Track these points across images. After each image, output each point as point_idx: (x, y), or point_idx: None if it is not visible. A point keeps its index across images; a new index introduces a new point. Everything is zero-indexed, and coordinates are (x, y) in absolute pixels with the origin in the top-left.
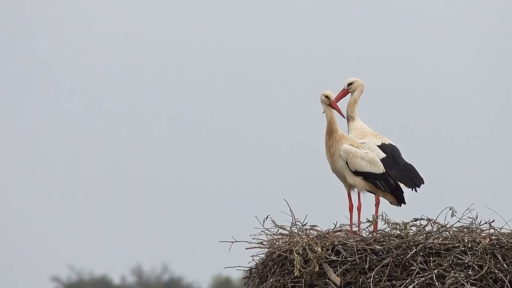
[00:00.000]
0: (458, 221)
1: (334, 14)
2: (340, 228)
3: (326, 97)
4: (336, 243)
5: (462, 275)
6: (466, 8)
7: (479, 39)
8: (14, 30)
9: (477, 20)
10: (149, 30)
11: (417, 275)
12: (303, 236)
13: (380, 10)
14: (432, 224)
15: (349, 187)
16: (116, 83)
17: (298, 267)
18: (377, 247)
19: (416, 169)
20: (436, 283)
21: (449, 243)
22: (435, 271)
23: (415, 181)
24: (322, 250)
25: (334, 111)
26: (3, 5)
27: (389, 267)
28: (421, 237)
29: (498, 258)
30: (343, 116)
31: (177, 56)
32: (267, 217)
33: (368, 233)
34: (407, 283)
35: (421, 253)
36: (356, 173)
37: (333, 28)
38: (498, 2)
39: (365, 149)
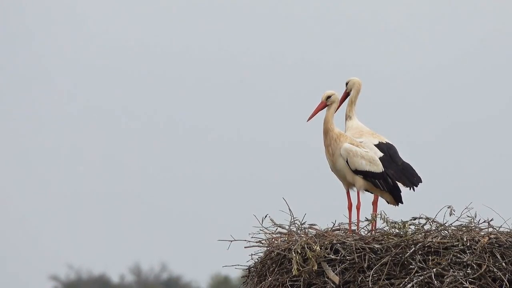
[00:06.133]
0: (456, 220)
1: (334, 17)
2: (338, 227)
3: (329, 97)
4: (334, 242)
5: (461, 273)
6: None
7: (472, 35)
8: (13, 32)
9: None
10: (149, 32)
11: (416, 274)
12: (302, 235)
13: (378, 14)
14: (431, 223)
15: (348, 186)
16: (116, 84)
17: (296, 266)
18: (376, 246)
19: (414, 168)
20: (435, 282)
21: (447, 242)
22: (434, 270)
23: (413, 180)
24: (320, 249)
25: (331, 110)
26: (2, 8)
27: (387, 266)
28: (420, 236)
29: (497, 257)
30: (308, 119)
31: (177, 58)
32: (265, 216)
33: (367, 232)
34: (405, 282)
35: (419, 252)
36: (356, 172)
37: (333, 30)
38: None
39: (365, 148)
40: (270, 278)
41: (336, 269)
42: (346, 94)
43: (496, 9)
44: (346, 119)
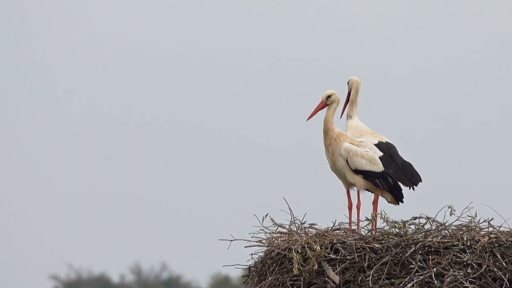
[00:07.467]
0: (457, 220)
1: (334, 17)
2: (339, 227)
3: (329, 96)
4: (335, 241)
5: (461, 273)
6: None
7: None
8: (13, 32)
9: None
10: (149, 33)
11: (416, 274)
12: (302, 235)
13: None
14: (431, 223)
15: (349, 185)
16: (116, 85)
17: (297, 265)
18: (376, 245)
19: (414, 167)
20: (435, 281)
21: (448, 242)
22: (434, 269)
23: (413, 179)
24: (321, 248)
25: (331, 109)
26: (2, 8)
27: (388, 265)
28: (420, 235)
29: (497, 256)
30: (308, 118)
31: (177, 59)
32: (266, 216)
33: (367, 232)
34: (406, 282)
35: (420, 252)
36: (356, 171)
37: (333, 30)
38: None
39: (365, 147)
40: (270, 278)
41: (336, 269)
42: (349, 94)
43: (496, 10)
44: (346, 119)
